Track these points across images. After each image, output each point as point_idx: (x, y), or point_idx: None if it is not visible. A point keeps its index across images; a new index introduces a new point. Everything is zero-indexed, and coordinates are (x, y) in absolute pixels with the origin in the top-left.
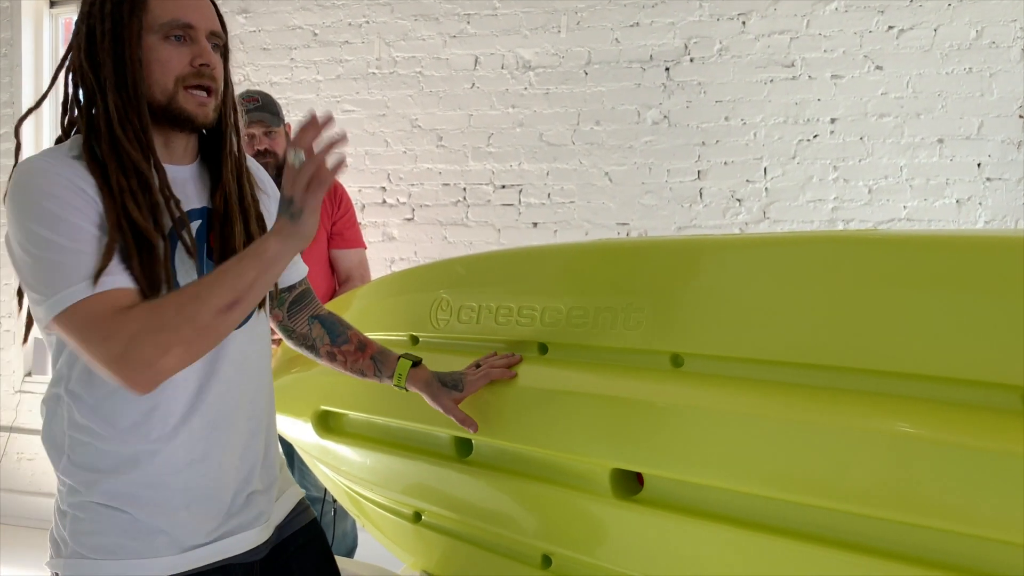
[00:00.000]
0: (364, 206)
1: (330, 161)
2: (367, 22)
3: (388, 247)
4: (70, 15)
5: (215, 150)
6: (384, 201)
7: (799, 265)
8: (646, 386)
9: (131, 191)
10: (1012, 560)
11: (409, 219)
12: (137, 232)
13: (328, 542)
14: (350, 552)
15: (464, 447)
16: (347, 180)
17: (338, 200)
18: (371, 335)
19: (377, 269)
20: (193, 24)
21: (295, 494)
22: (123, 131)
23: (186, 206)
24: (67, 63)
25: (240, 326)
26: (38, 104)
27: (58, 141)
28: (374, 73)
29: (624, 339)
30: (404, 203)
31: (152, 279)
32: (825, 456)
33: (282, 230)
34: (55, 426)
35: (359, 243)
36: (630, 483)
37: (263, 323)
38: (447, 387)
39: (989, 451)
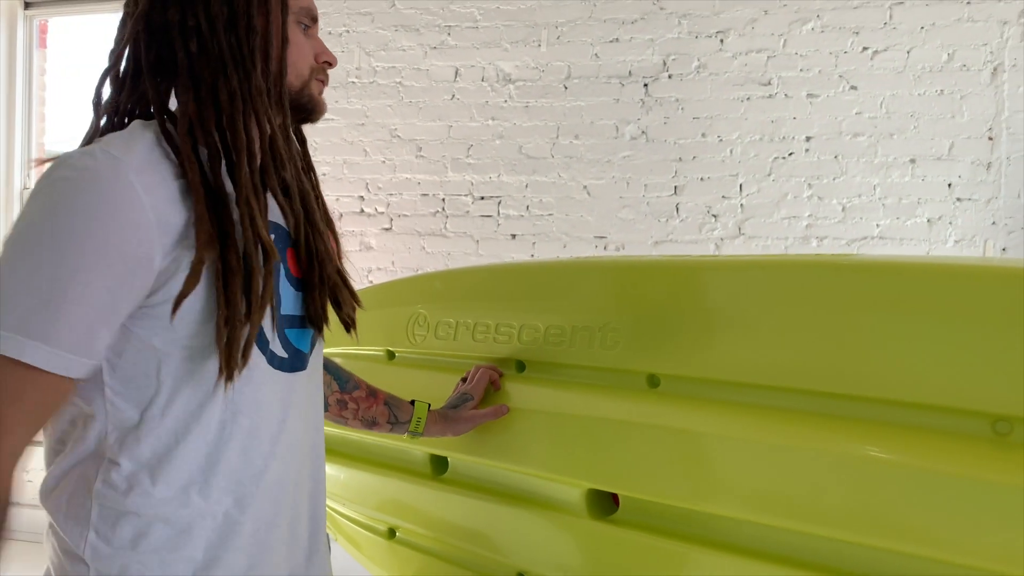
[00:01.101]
0: (342, 215)
1: None
2: (347, 31)
3: (366, 257)
4: (44, 17)
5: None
6: (362, 211)
7: (775, 289)
8: (622, 406)
9: (256, 195)
10: None
11: (387, 229)
12: (253, 248)
13: None
14: None
15: (440, 465)
16: (325, 189)
17: None
18: (347, 350)
19: (354, 280)
20: (317, 18)
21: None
22: (256, 113)
23: None
24: (144, 17)
25: (303, 369)
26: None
27: (97, 134)
28: (354, 82)
29: (601, 359)
30: (382, 213)
31: (258, 305)
32: (799, 479)
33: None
34: (75, 498)
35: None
36: (606, 503)
37: (320, 363)
38: (459, 407)
39: (960, 477)
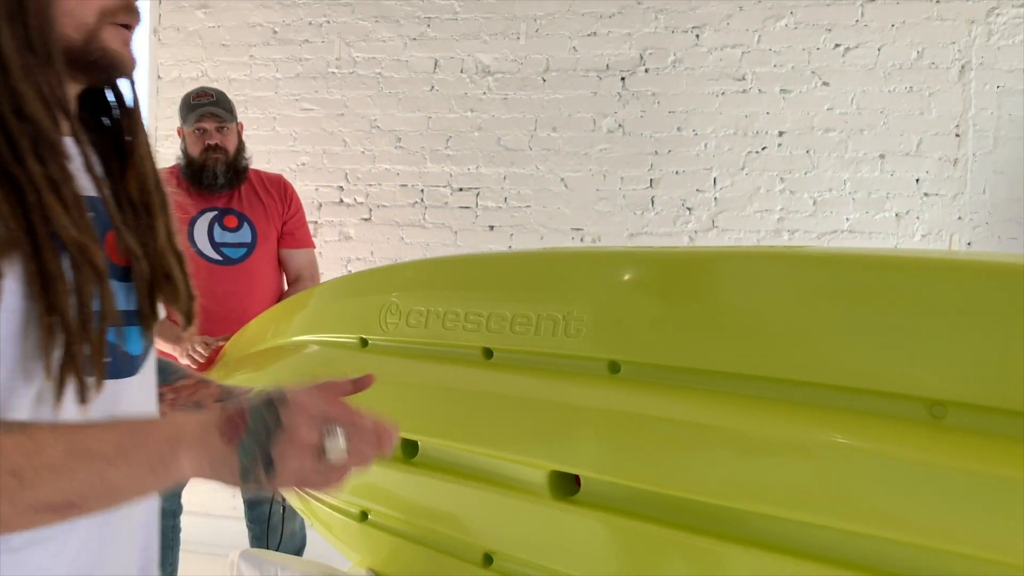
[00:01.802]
0: (321, 205)
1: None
2: (328, 21)
3: (344, 247)
4: None
5: (98, 120)
6: (341, 200)
7: (731, 279)
8: (584, 391)
9: (51, 182)
10: (915, 561)
11: (366, 219)
12: (58, 248)
13: None
14: (299, 551)
15: (410, 448)
16: (305, 179)
17: (288, 199)
18: (321, 337)
19: (333, 269)
20: None
21: None
22: (28, 86)
23: None
24: None
25: (132, 374)
26: None
27: None
28: (334, 73)
29: (565, 346)
30: (362, 203)
31: (85, 314)
32: (748, 461)
33: (216, 469)
34: None
35: (309, 243)
36: (568, 485)
37: (153, 367)
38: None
39: (899, 458)
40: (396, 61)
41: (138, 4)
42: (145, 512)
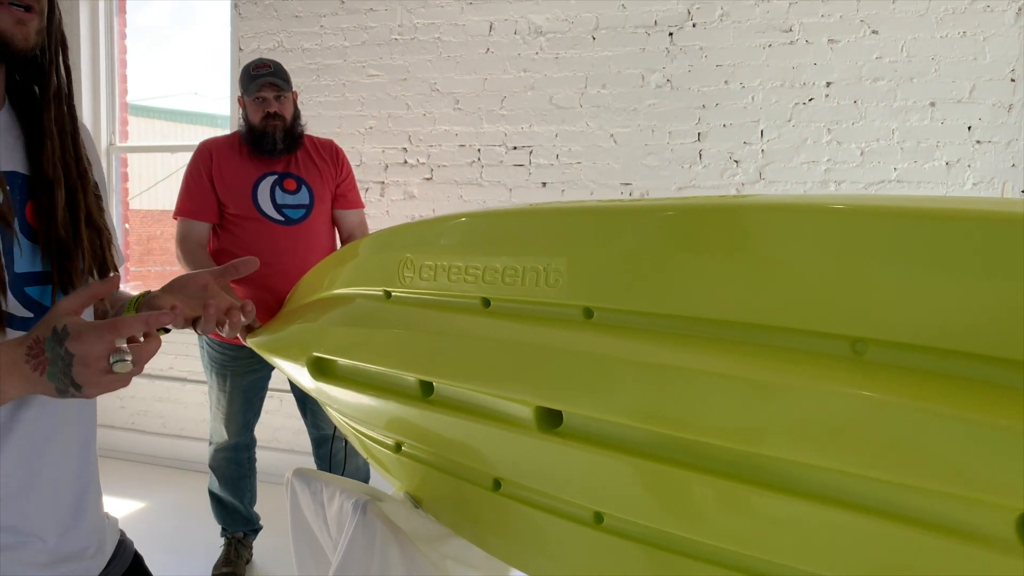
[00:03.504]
0: (387, 166)
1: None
2: None
3: (409, 205)
4: None
5: (31, 97)
6: (405, 161)
7: (682, 231)
8: (562, 335)
9: None
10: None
11: (428, 179)
12: None
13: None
14: (364, 482)
15: (427, 389)
16: (372, 141)
17: (340, 164)
18: (357, 290)
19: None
20: None
21: (115, 531)
22: None
23: None
24: None
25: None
26: None
27: None
28: (396, 39)
29: (546, 295)
30: (424, 163)
31: None
32: (695, 396)
33: (32, 383)
34: None
35: (359, 204)
36: (553, 418)
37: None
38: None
39: (822, 392)
40: (453, 25)
41: None
42: (78, 442)
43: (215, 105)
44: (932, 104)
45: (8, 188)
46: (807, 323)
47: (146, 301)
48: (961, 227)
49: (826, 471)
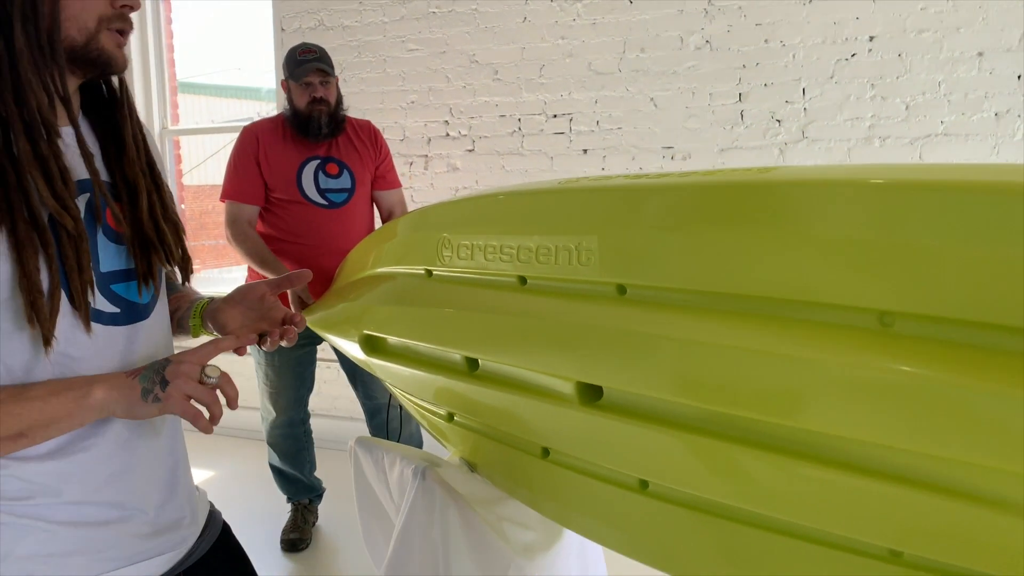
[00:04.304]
0: (430, 139)
1: (216, 410)
2: None
3: (452, 177)
4: None
5: (99, 108)
6: (447, 134)
7: (699, 208)
8: (597, 311)
9: (40, 158)
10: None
11: (470, 150)
12: (40, 217)
13: (238, 545)
14: (418, 448)
15: (472, 364)
16: (415, 116)
17: (379, 146)
18: (400, 269)
19: (443, 198)
20: None
21: (205, 503)
22: (34, 76)
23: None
24: None
25: (145, 318)
26: None
27: None
28: (434, 12)
29: (579, 272)
30: (465, 135)
31: (72, 274)
32: (726, 370)
33: (124, 394)
34: None
35: (397, 183)
36: (594, 392)
37: (165, 308)
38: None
39: (850, 363)
40: None
41: (132, 15)
42: (169, 420)
43: (258, 79)
44: (980, 54)
45: (88, 196)
46: (834, 297)
47: (210, 311)
48: (986, 199)
49: (857, 442)
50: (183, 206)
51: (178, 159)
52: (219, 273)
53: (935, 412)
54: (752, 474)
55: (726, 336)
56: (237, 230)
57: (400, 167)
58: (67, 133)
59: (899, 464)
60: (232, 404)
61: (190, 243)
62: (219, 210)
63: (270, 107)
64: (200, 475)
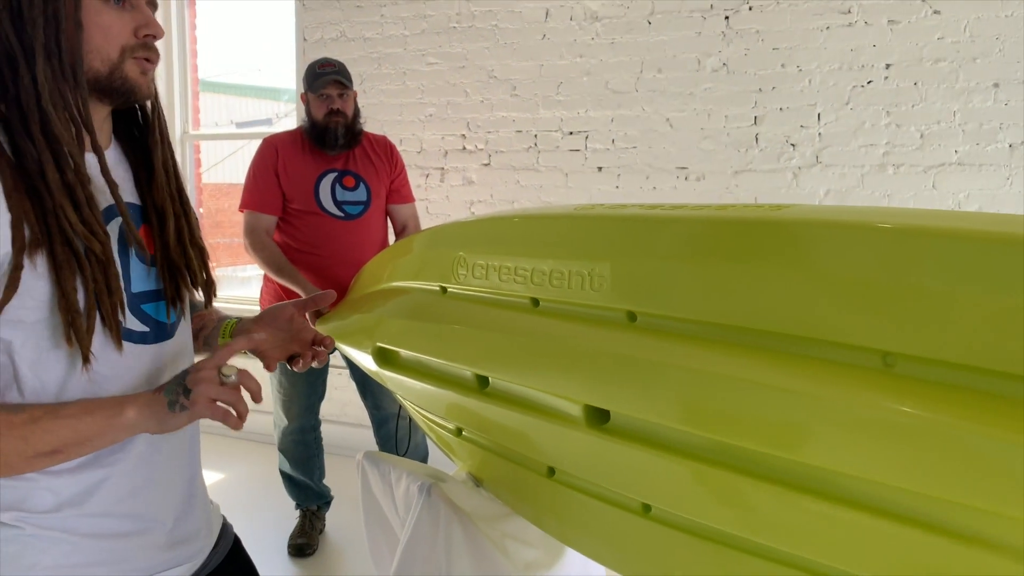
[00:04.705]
0: (447, 152)
1: (241, 407)
2: None
3: (468, 191)
4: None
5: (131, 134)
6: (464, 148)
7: (720, 243)
8: (607, 337)
9: (68, 187)
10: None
11: (486, 164)
12: (73, 241)
13: (248, 558)
14: (423, 459)
15: (483, 381)
16: (432, 128)
17: (394, 161)
18: (414, 284)
19: (459, 211)
20: None
21: (218, 515)
22: (59, 108)
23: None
24: None
25: (170, 338)
26: None
27: None
28: (455, 27)
29: (591, 298)
30: (482, 149)
31: (102, 296)
32: (731, 402)
33: (153, 410)
34: None
35: (411, 198)
36: (602, 416)
37: (188, 328)
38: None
39: (853, 402)
40: (510, 12)
41: (156, 43)
42: (188, 436)
43: (278, 80)
44: (996, 85)
45: (118, 220)
46: (840, 335)
47: (239, 331)
48: (991, 248)
49: (858, 479)
50: (201, 209)
51: (197, 163)
52: (233, 271)
53: (933, 453)
54: (753, 504)
55: (731, 368)
56: (255, 239)
57: (416, 179)
58: (93, 161)
59: (899, 503)
60: (256, 397)
61: (208, 241)
62: (234, 208)
63: (289, 107)
64: (210, 478)
